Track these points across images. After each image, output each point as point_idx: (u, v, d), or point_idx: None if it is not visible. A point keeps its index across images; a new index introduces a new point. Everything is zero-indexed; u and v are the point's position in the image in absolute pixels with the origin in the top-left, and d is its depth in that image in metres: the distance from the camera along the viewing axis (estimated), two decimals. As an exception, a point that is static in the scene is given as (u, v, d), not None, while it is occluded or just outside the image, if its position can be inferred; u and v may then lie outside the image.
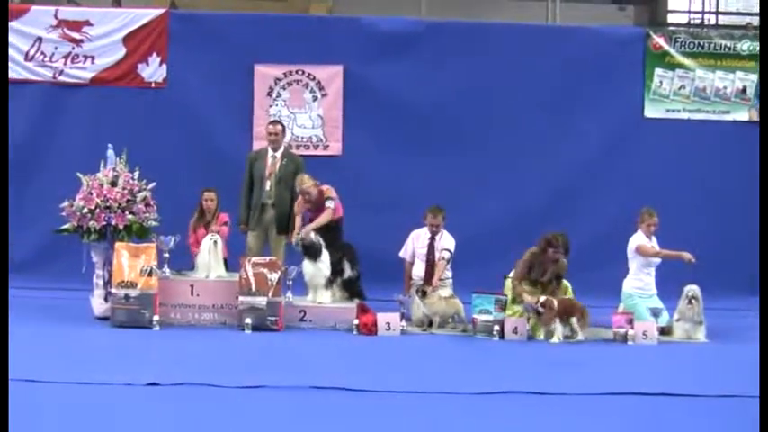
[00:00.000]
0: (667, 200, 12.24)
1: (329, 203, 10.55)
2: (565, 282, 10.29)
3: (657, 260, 10.67)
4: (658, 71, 13.24)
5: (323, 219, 10.48)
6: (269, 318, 9.58)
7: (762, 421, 5.93)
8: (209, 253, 10.13)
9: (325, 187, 10.66)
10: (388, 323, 9.66)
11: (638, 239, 10.60)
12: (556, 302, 9.68)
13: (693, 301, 9.99)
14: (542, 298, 9.73)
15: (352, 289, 10.38)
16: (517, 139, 13.04)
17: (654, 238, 10.71)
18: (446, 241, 10.73)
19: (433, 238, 10.73)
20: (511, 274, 10.40)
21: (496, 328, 9.66)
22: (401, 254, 10.91)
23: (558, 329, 9.58)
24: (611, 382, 7.45)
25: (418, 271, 10.77)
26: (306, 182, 10.55)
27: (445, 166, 12.77)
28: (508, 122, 13.06)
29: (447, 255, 10.65)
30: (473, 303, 9.89)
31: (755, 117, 13.31)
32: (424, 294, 10.08)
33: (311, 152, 12.56)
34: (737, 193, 13.16)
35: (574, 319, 9.66)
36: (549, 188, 13.04)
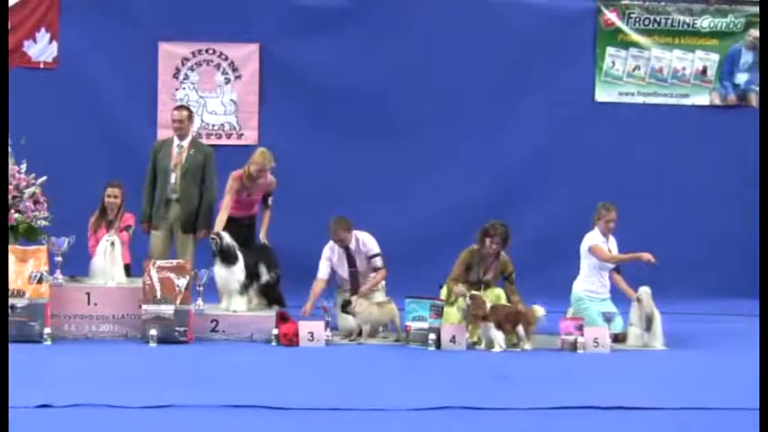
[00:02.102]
0: (622, 192, 12.47)
1: (270, 201, 10.81)
2: (497, 289, 10.32)
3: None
4: (610, 50, 13.45)
5: (268, 220, 10.77)
6: (177, 329, 9.53)
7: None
8: (106, 256, 10.05)
9: (273, 177, 10.80)
10: (311, 333, 9.67)
11: (593, 238, 10.61)
12: (488, 302, 9.76)
13: (636, 303, 10.08)
14: (472, 292, 9.80)
15: (270, 295, 10.41)
16: (456, 125, 13.21)
17: (612, 237, 10.74)
18: (369, 245, 10.64)
19: (347, 248, 10.58)
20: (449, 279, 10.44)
21: (432, 336, 9.69)
22: (320, 276, 10.57)
23: (499, 337, 9.64)
24: (558, 395, 7.52)
25: (341, 282, 10.69)
26: (271, 162, 10.63)
27: (375, 157, 12.88)
28: (446, 107, 13.19)
29: (381, 262, 10.59)
30: (406, 309, 9.93)
31: (717, 101, 13.56)
32: (347, 304, 10.06)
33: (223, 141, 12.59)
34: (699, 185, 13.41)
35: (520, 328, 9.76)
36: (491, 180, 13.22)
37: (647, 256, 10.37)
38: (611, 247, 10.66)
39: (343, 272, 10.63)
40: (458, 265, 10.31)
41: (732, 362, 9.29)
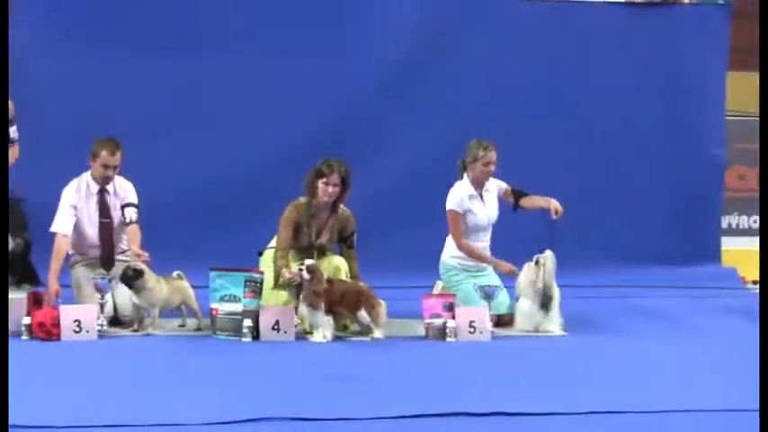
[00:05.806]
0: (506, 120, 12.93)
1: (13, 132, 10.73)
2: (337, 258, 10.53)
3: (492, 219, 11.01)
4: None
5: (13, 159, 10.71)
6: None
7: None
8: None
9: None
10: (78, 321, 9.67)
11: (459, 192, 10.80)
12: (325, 274, 9.96)
13: (534, 265, 10.37)
14: (309, 261, 9.91)
15: (17, 269, 10.39)
16: (280, 33, 13.46)
17: (496, 186, 10.97)
18: (128, 191, 10.75)
19: (104, 191, 10.70)
20: (271, 244, 10.59)
21: (248, 323, 9.78)
22: (55, 228, 10.54)
23: (326, 323, 9.82)
24: (418, 399, 7.63)
25: (86, 243, 10.78)
26: None
27: (164, 77, 13.16)
28: (266, 9, 13.26)
29: (136, 214, 10.66)
30: (211, 287, 10.00)
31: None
32: (139, 275, 10.02)
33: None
34: (611, 112, 13.86)
35: (362, 313, 9.97)
36: (328, 108, 13.56)
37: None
38: (487, 201, 10.89)
39: (91, 225, 10.71)
40: (283, 227, 10.41)
41: (654, 352, 9.59)
